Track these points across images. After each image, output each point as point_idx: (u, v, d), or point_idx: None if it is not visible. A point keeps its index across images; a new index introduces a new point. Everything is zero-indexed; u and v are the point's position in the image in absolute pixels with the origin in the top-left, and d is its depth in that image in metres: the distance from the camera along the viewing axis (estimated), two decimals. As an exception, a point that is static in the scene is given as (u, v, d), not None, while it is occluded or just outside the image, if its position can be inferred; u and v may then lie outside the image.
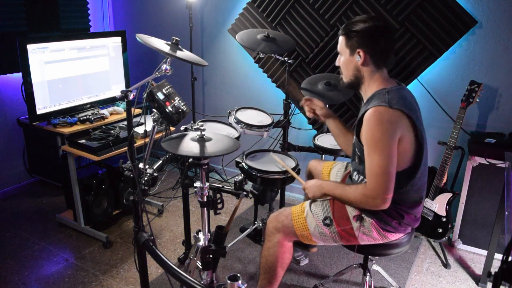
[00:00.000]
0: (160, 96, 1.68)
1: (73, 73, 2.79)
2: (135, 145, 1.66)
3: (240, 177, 1.97)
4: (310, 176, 2.20)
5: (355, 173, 1.74)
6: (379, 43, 1.56)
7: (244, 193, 1.90)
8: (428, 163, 2.70)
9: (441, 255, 2.59)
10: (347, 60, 1.64)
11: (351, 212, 1.69)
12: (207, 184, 1.72)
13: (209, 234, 1.80)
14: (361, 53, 1.57)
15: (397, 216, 1.63)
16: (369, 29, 1.55)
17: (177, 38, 1.68)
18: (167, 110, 1.68)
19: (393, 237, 1.69)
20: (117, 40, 3.05)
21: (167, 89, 1.72)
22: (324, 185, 1.72)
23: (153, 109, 1.71)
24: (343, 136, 1.93)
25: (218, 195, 1.76)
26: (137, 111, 1.69)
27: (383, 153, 1.47)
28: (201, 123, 1.85)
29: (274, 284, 1.85)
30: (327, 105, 2.64)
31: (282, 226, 1.78)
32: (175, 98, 1.74)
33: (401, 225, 1.65)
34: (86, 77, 2.88)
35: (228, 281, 1.38)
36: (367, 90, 1.65)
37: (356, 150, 1.66)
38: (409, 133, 1.52)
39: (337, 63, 1.71)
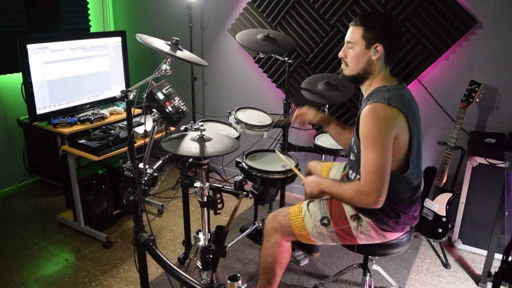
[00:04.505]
0: (160, 96, 1.68)
1: (73, 73, 2.79)
2: (135, 145, 1.66)
3: (240, 177, 1.97)
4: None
5: (351, 171, 1.73)
6: (397, 40, 1.56)
7: (244, 193, 1.90)
8: (428, 163, 2.75)
9: (441, 255, 2.59)
10: (360, 52, 1.58)
11: (348, 211, 1.69)
12: (207, 184, 1.72)
13: (209, 234, 1.81)
14: (379, 48, 1.55)
15: (393, 215, 1.63)
16: (391, 25, 1.55)
17: (177, 38, 1.68)
18: (167, 110, 1.68)
19: (392, 236, 1.68)
20: (117, 40, 3.05)
21: (167, 89, 1.72)
22: (322, 182, 1.69)
23: (153, 109, 1.71)
24: (341, 135, 1.92)
25: (218, 195, 1.76)
26: (137, 111, 1.69)
27: (378, 150, 1.46)
28: (201, 123, 1.85)
29: (274, 284, 1.85)
30: (327, 106, 2.65)
31: (280, 226, 1.78)
32: (175, 98, 1.74)
33: (398, 224, 1.65)
34: (86, 77, 2.88)
35: (228, 281, 1.37)
36: (370, 85, 1.63)
37: (354, 147, 1.65)
38: (405, 132, 1.52)
39: (341, 55, 1.66)
